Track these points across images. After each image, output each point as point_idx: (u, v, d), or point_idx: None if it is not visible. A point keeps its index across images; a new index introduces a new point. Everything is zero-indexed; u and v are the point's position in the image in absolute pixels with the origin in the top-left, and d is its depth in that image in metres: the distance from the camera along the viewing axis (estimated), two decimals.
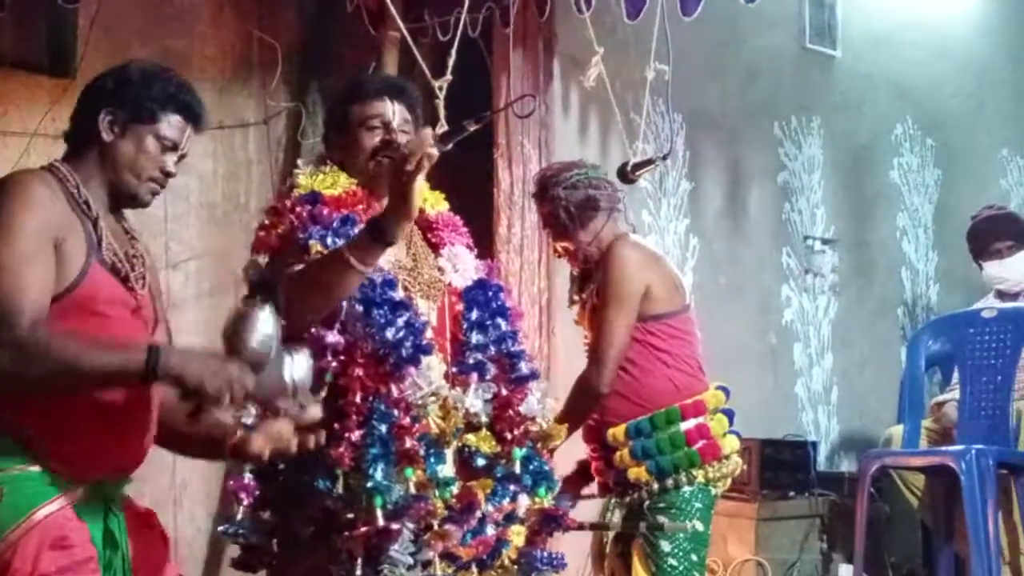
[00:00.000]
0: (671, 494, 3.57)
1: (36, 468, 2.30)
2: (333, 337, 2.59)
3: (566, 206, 3.71)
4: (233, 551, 2.83)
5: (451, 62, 2.88)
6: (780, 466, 5.37)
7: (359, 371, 2.58)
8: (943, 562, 5.09)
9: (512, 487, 2.74)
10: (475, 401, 2.70)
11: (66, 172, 2.41)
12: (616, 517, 3.75)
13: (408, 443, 2.58)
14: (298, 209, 2.69)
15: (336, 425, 2.57)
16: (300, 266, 2.62)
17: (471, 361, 2.76)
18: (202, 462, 3.66)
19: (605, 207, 3.75)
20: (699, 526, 3.55)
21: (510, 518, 2.76)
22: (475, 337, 2.78)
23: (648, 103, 4.72)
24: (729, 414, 3.69)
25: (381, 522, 2.53)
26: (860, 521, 4.97)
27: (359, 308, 2.61)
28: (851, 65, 6.59)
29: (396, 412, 2.58)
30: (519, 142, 5.06)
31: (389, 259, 2.72)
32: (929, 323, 6.01)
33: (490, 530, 2.71)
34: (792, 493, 5.39)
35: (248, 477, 2.65)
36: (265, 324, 2.29)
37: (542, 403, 2.83)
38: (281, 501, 2.69)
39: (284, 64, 5.13)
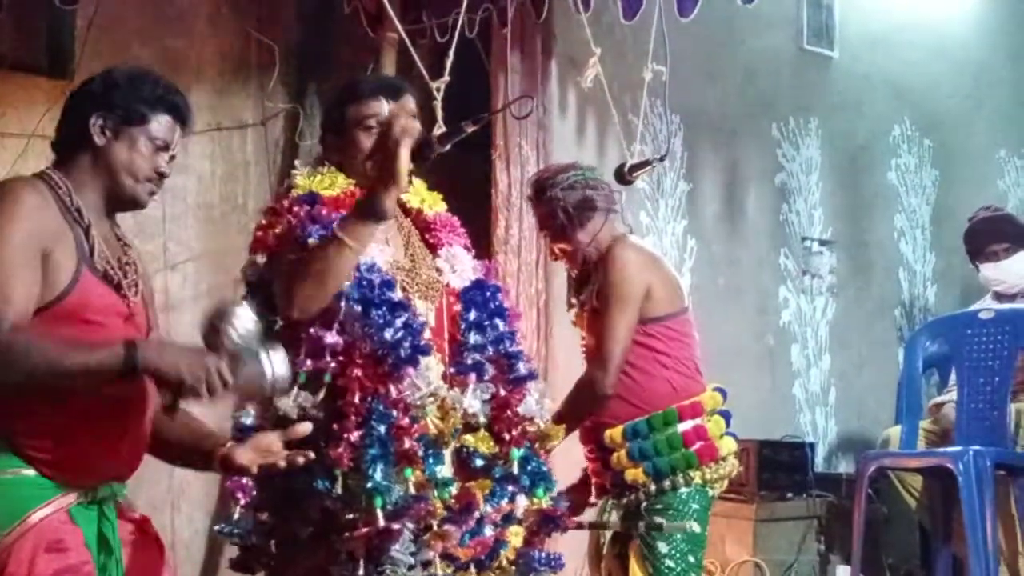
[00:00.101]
0: (668, 495, 3.57)
1: (31, 472, 2.31)
2: (332, 338, 2.59)
3: (564, 207, 3.71)
4: (231, 553, 2.83)
5: (449, 63, 2.88)
6: (778, 467, 5.37)
7: (358, 372, 2.58)
8: (941, 563, 5.09)
9: (510, 488, 2.73)
10: (473, 402, 2.70)
11: (57, 179, 2.42)
12: (613, 519, 3.74)
13: (407, 443, 2.58)
14: (295, 209, 2.69)
15: (335, 425, 2.57)
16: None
17: (469, 362, 2.76)
18: None
19: (603, 207, 3.75)
20: (696, 527, 3.55)
21: (508, 519, 2.76)
22: (473, 338, 2.78)
23: (646, 104, 4.74)
24: (726, 416, 3.69)
25: (382, 522, 2.53)
26: (858, 522, 4.97)
27: (357, 309, 2.61)
28: (849, 66, 6.60)
29: (395, 412, 2.57)
30: (517, 143, 5.07)
31: (387, 260, 2.73)
32: (927, 324, 6.00)
33: (488, 531, 2.71)
34: (790, 494, 5.39)
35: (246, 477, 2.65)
36: (243, 319, 2.30)
37: (540, 403, 2.83)
38: (279, 502, 2.69)
39: (282, 65, 5.13)
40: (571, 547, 3.66)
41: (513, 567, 2.78)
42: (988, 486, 4.63)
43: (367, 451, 2.54)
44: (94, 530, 2.37)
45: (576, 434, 3.67)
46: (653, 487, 3.57)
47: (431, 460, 2.63)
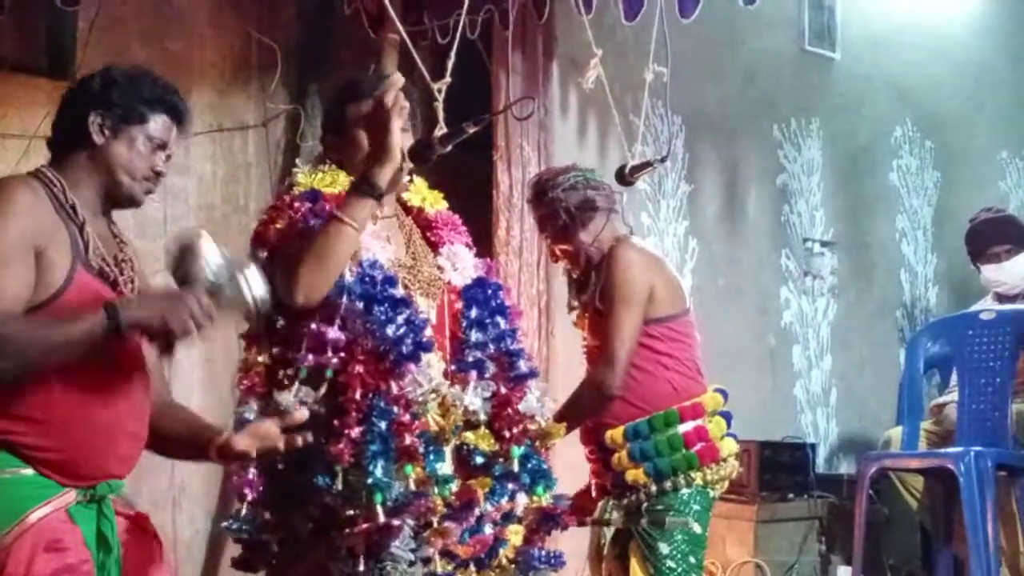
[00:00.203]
0: (669, 496, 3.57)
1: (28, 471, 2.32)
2: (334, 333, 2.59)
3: (566, 207, 3.71)
4: (232, 552, 2.83)
5: (450, 64, 2.87)
6: (779, 468, 5.37)
7: (359, 368, 2.58)
8: (942, 564, 5.09)
9: (510, 486, 2.73)
10: (474, 399, 2.70)
11: (52, 177, 2.42)
12: (614, 519, 3.74)
13: (408, 440, 2.57)
14: (297, 205, 2.69)
15: (336, 421, 2.56)
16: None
17: (470, 359, 2.75)
18: (201, 463, 3.67)
19: (604, 207, 3.75)
20: (697, 528, 3.55)
21: (508, 517, 2.76)
22: (474, 335, 2.78)
23: (647, 105, 4.73)
24: (727, 416, 3.69)
25: (382, 519, 2.53)
26: (859, 523, 4.98)
27: (360, 305, 2.61)
28: (850, 67, 6.60)
29: (396, 409, 2.57)
30: (518, 144, 5.07)
31: (389, 257, 2.73)
32: (928, 325, 6.01)
33: (488, 529, 2.71)
34: (791, 495, 5.39)
35: (252, 473, 2.65)
36: (209, 251, 2.31)
37: (541, 401, 2.82)
38: (281, 499, 2.69)
39: (283, 66, 5.14)
40: (571, 547, 3.66)
41: (513, 565, 2.78)
42: (989, 487, 4.64)
43: (368, 447, 2.54)
44: (93, 529, 2.37)
45: (574, 435, 3.67)
46: (654, 488, 3.57)
47: (432, 457, 2.63)
